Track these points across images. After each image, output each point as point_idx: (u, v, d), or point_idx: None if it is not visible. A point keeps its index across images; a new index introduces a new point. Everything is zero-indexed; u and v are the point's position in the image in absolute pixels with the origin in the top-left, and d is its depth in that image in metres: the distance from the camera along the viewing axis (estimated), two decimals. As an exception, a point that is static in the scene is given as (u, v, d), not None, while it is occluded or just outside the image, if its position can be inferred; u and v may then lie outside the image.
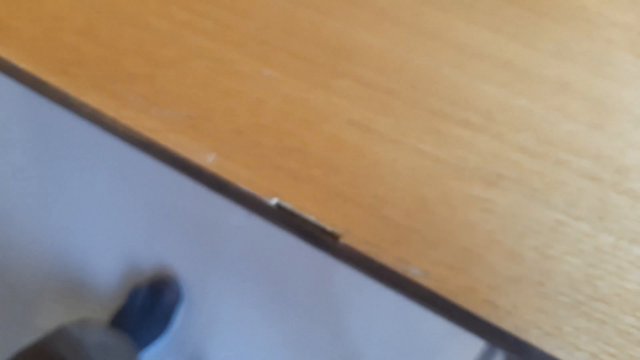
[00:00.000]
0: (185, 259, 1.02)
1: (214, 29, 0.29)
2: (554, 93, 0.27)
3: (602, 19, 0.29)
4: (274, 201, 0.25)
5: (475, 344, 0.81)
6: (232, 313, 0.99)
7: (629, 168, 0.26)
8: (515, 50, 0.28)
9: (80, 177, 1.11)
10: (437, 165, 0.26)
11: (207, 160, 0.26)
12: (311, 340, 0.95)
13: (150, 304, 0.92)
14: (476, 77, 0.28)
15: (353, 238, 0.24)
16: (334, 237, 0.25)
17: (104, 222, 1.07)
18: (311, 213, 0.25)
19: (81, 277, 1.03)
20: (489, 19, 0.29)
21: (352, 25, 0.29)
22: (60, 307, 1.01)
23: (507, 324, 0.23)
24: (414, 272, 0.24)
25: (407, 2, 0.30)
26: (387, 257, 0.24)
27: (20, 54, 0.28)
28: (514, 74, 0.28)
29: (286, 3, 0.30)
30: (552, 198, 0.25)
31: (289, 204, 0.25)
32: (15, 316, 0.99)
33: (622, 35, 0.28)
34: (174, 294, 0.94)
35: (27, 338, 0.67)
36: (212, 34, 0.29)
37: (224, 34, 0.29)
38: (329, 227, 0.25)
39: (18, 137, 1.14)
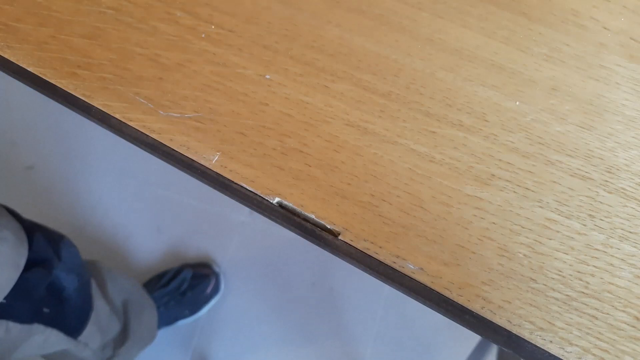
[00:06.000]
0: (181, 261, 1.02)
1: (218, 34, 0.30)
2: (546, 95, 0.28)
3: (593, 23, 0.29)
4: (275, 200, 0.26)
5: (470, 338, 0.81)
6: (235, 308, 0.99)
7: (620, 168, 0.26)
8: (508, 54, 0.29)
9: (82, 182, 1.11)
10: (432, 165, 0.26)
11: (212, 160, 0.27)
12: (312, 334, 0.95)
13: (187, 288, 0.92)
14: (470, 80, 0.28)
15: (351, 235, 0.25)
16: (333, 234, 0.25)
17: (99, 231, 1.07)
18: (311, 211, 0.26)
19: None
20: (483, 24, 0.29)
21: (351, 30, 0.30)
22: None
23: (500, 319, 0.23)
24: (410, 267, 0.24)
25: (404, 9, 0.30)
26: (383, 254, 0.25)
27: (29, 57, 0.29)
28: (507, 77, 0.28)
29: (287, 9, 0.30)
30: (544, 197, 0.26)
31: (290, 203, 0.26)
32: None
33: (613, 39, 0.29)
34: (211, 287, 0.94)
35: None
36: (216, 38, 0.29)
37: (227, 38, 0.30)
38: (328, 225, 0.25)
39: (26, 138, 1.15)
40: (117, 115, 0.28)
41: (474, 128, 0.27)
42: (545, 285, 0.24)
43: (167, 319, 0.92)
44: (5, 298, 0.47)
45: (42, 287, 0.52)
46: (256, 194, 0.26)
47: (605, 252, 0.24)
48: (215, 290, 0.95)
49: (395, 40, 0.29)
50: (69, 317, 0.58)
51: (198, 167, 0.27)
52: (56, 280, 0.54)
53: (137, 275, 1.00)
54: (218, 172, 0.26)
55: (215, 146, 0.27)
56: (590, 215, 0.25)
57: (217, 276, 0.96)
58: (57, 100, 0.29)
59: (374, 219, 0.25)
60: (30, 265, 0.50)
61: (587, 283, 0.24)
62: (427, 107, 0.28)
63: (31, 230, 0.53)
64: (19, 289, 0.48)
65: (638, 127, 0.27)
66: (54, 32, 0.30)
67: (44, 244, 0.53)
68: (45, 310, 0.53)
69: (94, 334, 0.62)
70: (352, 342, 0.94)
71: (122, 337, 0.73)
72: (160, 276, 0.96)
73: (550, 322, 0.23)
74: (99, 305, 0.64)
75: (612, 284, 0.24)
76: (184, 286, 0.93)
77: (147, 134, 0.27)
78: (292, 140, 0.27)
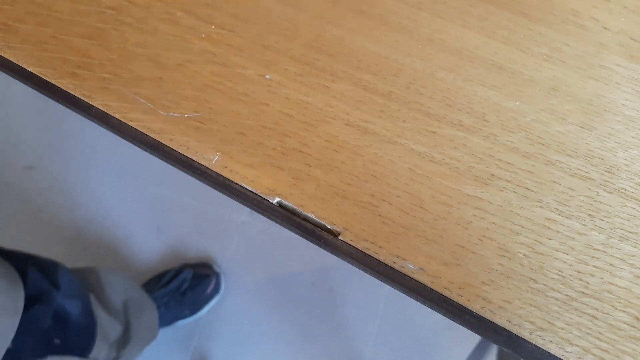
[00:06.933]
0: (181, 261, 1.02)
1: (218, 34, 0.30)
2: (546, 95, 0.28)
3: (593, 23, 0.29)
4: (275, 200, 0.26)
5: (470, 338, 0.81)
6: (235, 308, 0.99)
7: (620, 168, 0.26)
8: (508, 54, 0.29)
9: (83, 182, 1.11)
10: (432, 165, 0.26)
11: (212, 160, 0.27)
12: (312, 334, 0.96)
13: (187, 288, 0.93)
14: (470, 80, 0.28)
15: (351, 235, 0.25)
16: (333, 234, 0.25)
17: (100, 231, 1.07)
18: (311, 211, 0.26)
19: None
20: (483, 24, 0.29)
21: (351, 30, 0.30)
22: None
23: (500, 319, 0.23)
24: (410, 267, 0.24)
25: (404, 9, 0.30)
26: (383, 254, 0.25)
27: (29, 57, 0.29)
28: (507, 77, 0.28)
29: (287, 9, 0.30)
30: (544, 197, 0.26)
31: (290, 203, 0.26)
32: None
33: (613, 39, 0.29)
34: (212, 287, 0.94)
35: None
36: (217, 38, 0.29)
37: (227, 38, 0.30)
38: (328, 225, 0.25)
39: (26, 138, 1.15)
40: (117, 115, 0.28)
41: (474, 128, 0.27)
42: (545, 285, 0.24)
43: (167, 318, 0.92)
44: (13, 342, 0.47)
45: (48, 320, 0.52)
46: (256, 194, 0.26)
47: (605, 252, 0.24)
48: (216, 290, 0.95)
49: (395, 40, 0.29)
50: (79, 340, 0.58)
51: (198, 167, 0.27)
52: (60, 309, 0.54)
53: (137, 275, 1.00)
54: (218, 172, 0.26)
55: (215, 146, 0.27)
56: (590, 215, 0.25)
57: (217, 276, 0.96)
58: (57, 100, 0.29)
59: (374, 219, 0.25)
60: (30, 301, 0.50)
61: (587, 283, 0.24)
62: (427, 107, 0.28)
63: (24, 264, 0.52)
64: (24, 328, 0.48)
65: (638, 127, 0.27)
66: (54, 32, 0.30)
67: (39, 278, 0.53)
68: (56, 341, 0.53)
69: (101, 346, 0.63)
70: (352, 342, 0.94)
71: (125, 338, 0.74)
72: (160, 276, 0.96)
73: (550, 322, 0.23)
74: (100, 316, 0.64)
75: (612, 284, 0.24)
76: (184, 286, 0.93)
77: (147, 134, 0.27)
78: (292, 140, 0.27)
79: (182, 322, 0.94)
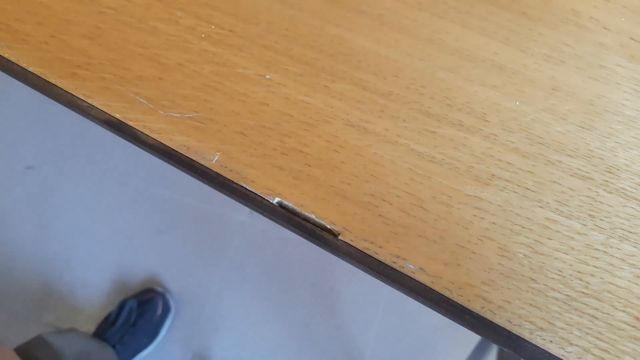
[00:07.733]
0: (182, 262, 1.02)
1: (218, 34, 0.30)
2: (546, 95, 0.28)
3: (594, 23, 0.29)
4: (275, 200, 0.26)
5: (470, 338, 0.81)
6: (235, 308, 0.99)
7: (620, 168, 0.26)
8: (508, 54, 0.29)
9: (83, 182, 1.11)
10: (432, 165, 0.26)
11: (212, 160, 0.27)
12: (312, 334, 0.96)
13: (136, 317, 0.93)
14: (470, 80, 0.28)
15: (351, 235, 0.25)
16: (333, 234, 0.25)
17: (100, 231, 1.06)
18: (311, 211, 0.26)
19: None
20: (483, 24, 0.29)
21: (351, 30, 0.30)
22: (64, 304, 1.01)
23: (500, 319, 0.23)
24: (410, 267, 0.24)
25: (404, 9, 0.30)
26: (383, 254, 0.25)
27: (28, 57, 0.29)
28: (507, 77, 0.28)
29: (287, 9, 0.30)
30: (544, 197, 0.26)
31: (290, 203, 0.26)
32: (24, 312, 1.00)
33: (613, 39, 0.29)
34: (161, 309, 0.94)
35: (35, 332, 0.68)
36: (216, 38, 0.30)
37: (227, 38, 0.30)
38: (328, 225, 0.25)
39: (26, 138, 1.15)
40: (117, 115, 0.28)
41: (474, 128, 0.27)
42: (545, 285, 0.24)
43: (127, 353, 0.91)
44: None
45: None
46: (256, 194, 0.26)
47: (605, 252, 0.24)
48: (166, 309, 0.95)
49: (396, 40, 0.29)
50: None
51: (198, 167, 0.27)
52: None
53: (127, 286, 1.00)
54: (218, 172, 0.26)
55: (215, 146, 0.27)
56: (590, 215, 0.25)
57: (162, 296, 0.96)
58: (57, 100, 0.29)
59: (374, 219, 0.25)
60: None
61: (587, 283, 0.24)
62: (427, 107, 0.28)
63: None
64: None
65: (638, 127, 0.27)
66: (54, 32, 0.30)
67: None
68: None
69: None
70: (352, 342, 0.94)
71: None
72: (107, 317, 0.96)
73: (550, 322, 0.23)
74: None
75: (612, 284, 0.24)
76: (132, 317, 0.92)
77: (147, 134, 0.27)
78: (292, 140, 0.27)
79: (145, 352, 0.94)
